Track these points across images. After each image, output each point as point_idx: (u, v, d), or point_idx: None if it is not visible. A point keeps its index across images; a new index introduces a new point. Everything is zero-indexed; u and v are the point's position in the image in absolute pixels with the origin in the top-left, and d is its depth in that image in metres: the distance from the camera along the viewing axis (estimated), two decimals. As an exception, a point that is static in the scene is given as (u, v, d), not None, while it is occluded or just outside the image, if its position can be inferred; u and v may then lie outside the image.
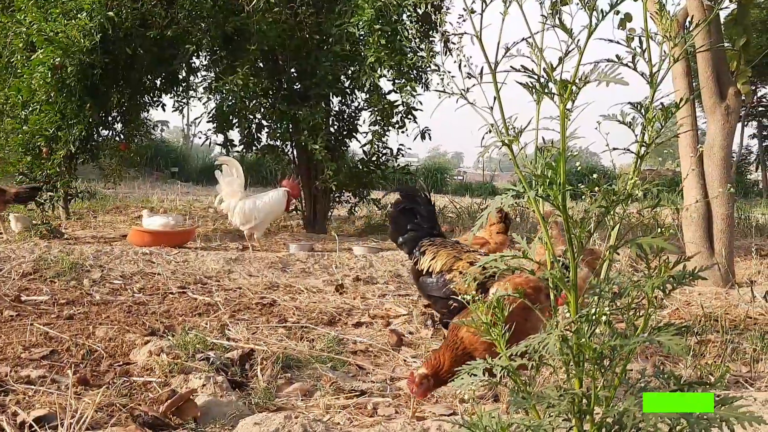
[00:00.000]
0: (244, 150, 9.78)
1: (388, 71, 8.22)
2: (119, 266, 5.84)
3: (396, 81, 8.44)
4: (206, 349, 3.33)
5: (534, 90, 1.54)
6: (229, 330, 3.88)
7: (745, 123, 33.01)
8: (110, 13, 7.81)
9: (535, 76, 1.54)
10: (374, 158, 9.42)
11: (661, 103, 1.57)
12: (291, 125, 9.13)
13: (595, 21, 1.48)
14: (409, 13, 8.10)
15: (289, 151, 9.77)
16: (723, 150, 5.81)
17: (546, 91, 1.53)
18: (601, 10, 1.47)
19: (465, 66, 1.61)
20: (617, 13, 6.50)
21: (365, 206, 10.37)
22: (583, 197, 1.60)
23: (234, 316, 4.31)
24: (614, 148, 1.62)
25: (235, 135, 9.59)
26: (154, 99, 10.23)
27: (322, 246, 7.96)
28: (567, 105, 1.51)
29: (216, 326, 3.95)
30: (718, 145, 5.80)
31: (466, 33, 1.60)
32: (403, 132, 9.02)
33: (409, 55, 8.09)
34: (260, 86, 8.62)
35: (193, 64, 9.78)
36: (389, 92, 8.77)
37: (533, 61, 1.55)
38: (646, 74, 1.55)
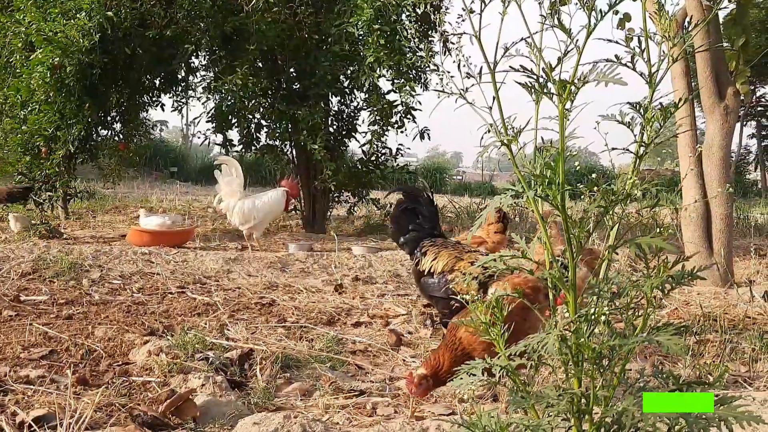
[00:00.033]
0: (243, 150, 9.79)
1: (387, 71, 8.22)
2: (118, 266, 5.84)
3: (395, 81, 8.45)
4: (205, 348, 3.33)
5: (533, 90, 1.55)
6: (228, 330, 3.88)
7: (744, 123, 33.04)
8: (109, 13, 7.81)
9: (534, 76, 1.54)
10: (373, 158, 9.42)
11: (660, 103, 1.57)
12: (290, 125, 9.13)
13: (593, 21, 1.48)
14: (408, 13, 8.10)
15: (288, 150, 9.77)
16: (722, 150, 5.81)
17: (545, 91, 1.53)
18: (600, 10, 1.47)
19: (464, 66, 1.61)
20: (616, 13, 6.51)
21: (364, 206, 10.37)
22: (582, 197, 1.60)
23: (233, 316, 4.31)
24: (613, 148, 1.62)
25: (234, 135, 9.61)
26: (153, 99, 10.23)
27: (321, 246, 7.96)
28: (566, 105, 1.51)
29: (215, 326, 3.95)
30: (717, 144, 5.80)
31: (465, 33, 1.60)
32: (402, 132, 9.03)
33: (408, 55, 8.10)
34: (259, 86, 8.61)
35: (192, 64, 9.79)
36: (388, 92, 8.78)
37: (532, 61, 1.55)
38: (645, 74, 1.55)
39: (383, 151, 9.46)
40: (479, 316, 1.70)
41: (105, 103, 9.10)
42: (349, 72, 9.12)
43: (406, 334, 4.04)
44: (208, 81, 9.43)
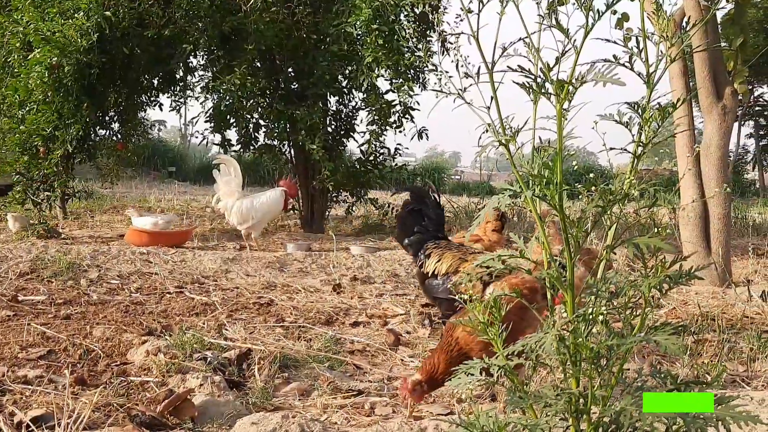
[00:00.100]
0: (242, 149, 9.79)
1: (385, 71, 8.22)
2: (116, 266, 5.84)
3: (393, 81, 8.46)
4: (203, 348, 3.33)
5: (531, 90, 1.55)
6: (226, 330, 3.88)
7: (742, 123, 33.07)
8: (107, 13, 7.80)
9: (532, 76, 1.54)
10: (372, 158, 9.43)
11: (658, 103, 1.57)
12: (288, 125, 9.13)
13: (591, 21, 1.48)
14: (406, 13, 8.10)
15: (286, 150, 9.77)
16: (720, 150, 5.81)
17: (543, 91, 1.53)
18: (598, 10, 1.47)
19: (462, 66, 1.61)
20: (614, 12, 6.51)
21: (362, 206, 10.37)
22: (580, 197, 1.61)
23: (231, 316, 4.31)
24: (611, 148, 1.63)
25: (232, 134, 9.62)
26: (152, 98, 10.24)
27: (320, 245, 7.96)
28: (564, 105, 1.51)
29: (213, 326, 3.95)
30: (715, 144, 5.81)
31: (463, 33, 1.60)
32: (400, 132, 9.04)
33: (406, 55, 8.10)
34: (257, 86, 8.61)
35: (190, 64, 9.80)
36: (387, 92, 8.78)
37: (530, 61, 1.55)
38: (643, 74, 1.55)
39: (381, 151, 9.46)
40: (477, 316, 1.70)
41: (103, 103, 9.10)
42: (347, 72, 9.13)
43: (404, 333, 4.04)
44: (207, 81, 9.44)
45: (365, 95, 9.02)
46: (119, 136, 10.23)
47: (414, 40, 8.42)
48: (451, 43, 1.65)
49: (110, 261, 6.03)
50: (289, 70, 9.45)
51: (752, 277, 6.34)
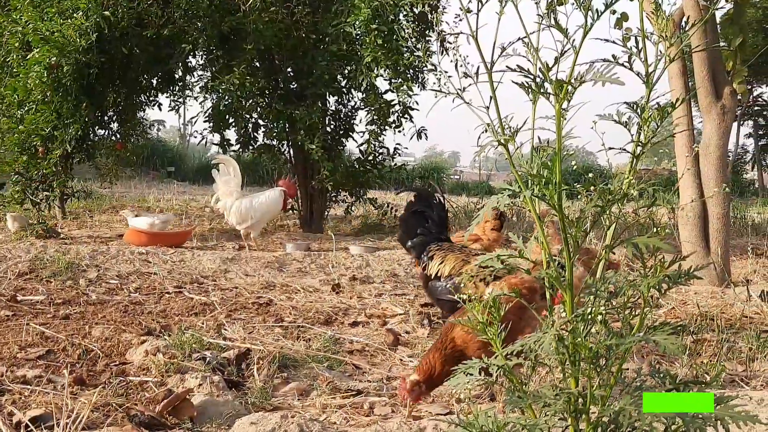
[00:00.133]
0: (241, 149, 9.79)
1: (384, 71, 8.22)
2: (115, 266, 5.83)
3: (392, 80, 8.46)
4: (203, 348, 3.32)
5: (530, 90, 1.55)
6: (225, 329, 3.87)
7: (741, 122, 33.09)
8: (106, 13, 7.80)
9: (531, 76, 1.54)
10: (371, 158, 9.43)
11: (657, 103, 1.57)
12: (287, 125, 9.13)
13: (590, 21, 1.48)
14: (405, 13, 8.10)
15: (285, 150, 9.78)
16: (719, 149, 5.82)
17: (542, 90, 1.53)
18: (597, 10, 1.47)
19: (461, 66, 1.61)
20: (613, 12, 6.51)
21: (362, 206, 10.37)
22: (579, 197, 1.61)
23: (230, 316, 4.30)
24: (610, 148, 1.62)
25: (231, 134, 9.62)
26: (151, 98, 10.25)
27: (319, 245, 7.96)
28: (563, 105, 1.51)
29: (212, 326, 3.95)
30: (714, 144, 5.81)
31: (462, 33, 1.60)
32: (399, 131, 9.04)
33: (405, 55, 8.10)
34: (257, 85, 8.61)
35: (189, 64, 9.79)
36: (386, 92, 8.79)
37: (529, 60, 1.55)
38: (642, 74, 1.55)
39: (381, 151, 9.46)
40: (476, 316, 1.70)
41: (102, 103, 9.10)
42: (346, 72, 9.13)
43: (403, 333, 4.04)
44: (206, 80, 9.44)
45: (364, 95, 9.02)
46: (118, 135, 10.23)
47: (413, 39, 8.42)
48: (450, 43, 1.65)
49: (109, 261, 6.02)
50: (288, 69, 9.45)
51: (751, 276, 6.35)
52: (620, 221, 1.63)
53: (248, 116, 9.42)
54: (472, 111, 1.60)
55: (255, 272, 5.95)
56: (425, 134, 9.36)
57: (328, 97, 9.54)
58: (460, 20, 7.59)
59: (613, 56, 1.50)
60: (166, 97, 10.26)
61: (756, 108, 33.11)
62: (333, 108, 9.77)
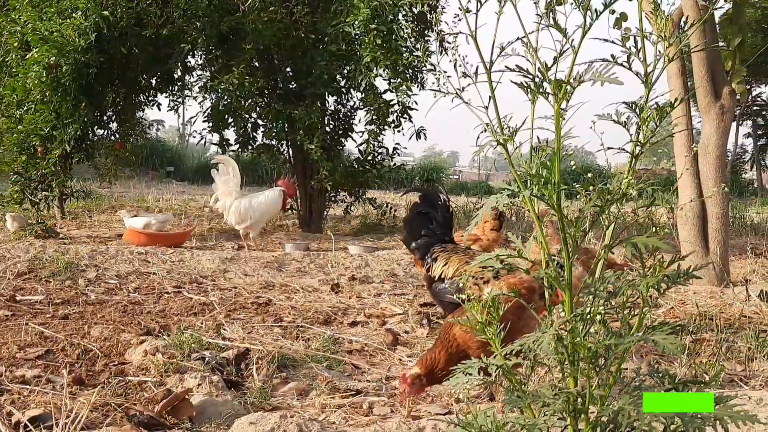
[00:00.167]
0: (240, 149, 9.79)
1: (383, 71, 8.22)
2: (114, 266, 5.83)
3: (392, 80, 8.46)
4: (202, 348, 3.32)
5: (529, 89, 1.55)
6: (224, 329, 3.87)
7: (740, 122, 33.12)
8: (105, 12, 7.80)
9: (530, 76, 1.54)
10: (370, 158, 9.43)
11: (656, 103, 1.57)
12: (286, 124, 9.13)
13: (589, 21, 1.48)
14: (404, 13, 8.10)
15: (284, 150, 9.78)
16: (718, 149, 5.82)
17: (541, 90, 1.53)
18: (596, 10, 1.47)
19: (460, 65, 1.61)
20: (612, 12, 6.52)
21: (361, 205, 10.37)
22: (578, 196, 1.61)
23: (229, 316, 4.30)
24: (609, 148, 1.62)
25: (230, 134, 9.62)
26: (150, 98, 10.25)
27: (318, 245, 7.96)
28: (562, 104, 1.51)
29: (211, 326, 3.95)
30: (713, 144, 5.81)
31: (461, 32, 1.60)
32: (398, 131, 9.04)
33: (404, 55, 8.10)
34: (256, 85, 8.61)
35: (188, 63, 9.80)
36: (385, 91, 8.78)
37: (528, 60, 1.55)
38: (641, 74, 1.55)
39: (380, 151, 9.47)
40: (475, 315, 1.70)
41: (101, 103, 9.09)
42: (345, 71, 9.13)
43: (402, 333, 4.04)
44: (205, 80, 9.44)
45: (363, 95, 9.02)
46: (117, 135, 10.23)
47: (412, 39, 8.42)
48: (450, 43, 1.65)
49: (108, 261, 6.02)
50: (288, 69, 9.45)
51: (750, 276, 6.35)
52: (619, 221, 1.63)
53: (247, 116, 9.42)
54: (471, 111, 1.60)
55: (254, 272, 5.95)
56: (424, 134, 9.36)
57: (327, 97, 9.54)
58: (459, 20, 7.57)
59: (612, 56, 1.50)
60: (165, 96, 10.27)
61: (755, 108, 33.14)
62: (332, 108, 9.77)
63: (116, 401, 2.64)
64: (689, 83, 6.32)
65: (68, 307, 4.34)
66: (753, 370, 3.44)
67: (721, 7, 6.08)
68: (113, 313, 4.22)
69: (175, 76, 9.90)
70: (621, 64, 1.51)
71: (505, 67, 1.54)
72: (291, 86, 9.46)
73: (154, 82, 9.92)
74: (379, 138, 9.12)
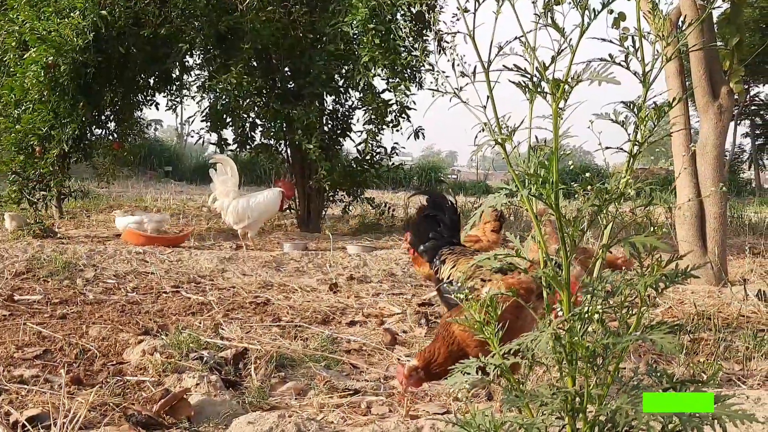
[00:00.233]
0: (238, 149, 9.78)
1: (382, 70, 8.22)
2: (112, 265, 5.83)
3: (390, 80, 8.45)
4: (200, 348, 3.32)
5: (527, 89, 1.55)
6: (222, 329, 3.87)
7: (738, 122, 33.12)
8: (103, 12, 7.79)
9: (528, 75, 1.54)
10: (368, 157, 9.41)
11: (654, 102, 1.57)
12: (285, 124, 9.12)
13: (587, 20, 1.48)
14: (403, 13, 8.11)
15: (282, 150, 9.77)
16: (716, 149, 5.82)
17: (539, 90, 1.53)
18: (594, 9, 1.47)
19: (458, 65, 1.61)
20: (611, 12, 6.49)
21: (359, 205, 10.37)
22: (576, 196, 1.61)
23: (228, 315, 4.30)
24: (607, 147, 1.62)
25: (228, 134, 9.61)
26: (148, 98, 10.23)
27: (316, 245, 7.96)
28: (559, 104, 1.52)
29: (210, 325, 3.95)
30: (711, 143, 5.82)
31: (459, 32, 1.60)
32: (397, 131, 9.04)
33: (403, 55, 8.10)
34: (254, 85, 8.60)
35: (186, 63, 9.77)
36: (383, 91, 8.78)
37: (526, 60, 1.55)
38: (639, 73, 1.55)
39: (378, 150, 9.46)
40: (473, 315, 1.70)
41: (99, 102, 9.08)
42: (343, 71, 9.13)
43: (400, 333, 4.04)
44: (203, 80, 9.43)
45: (362, 94, 9.02)
46: (115, 135, 10.21)
47: (410, 39, 8.41)
48: (448, 42, 1.65)
49: (106, 260, 6.02)
50: (286, 69, 9.44)
51: (748, 276, 6.35)
52: (617, 220, 1.63)
53: (245, 116, 9.40)
54: (470, 110, 1.60)
55: (252, 272, 5.95)
56: (422, 134, 9.36)
57: (325, 97, 9.53)
58: (458, 20, 7.53)
59: (610, 55, 1.50)
60: (164, 96, 10.25)
61: (753, 107, 33.14)
62: (330, 107, 9.76)
63: (114, 401, 2.64)
64: (687, 83, 6.33)
65: (66, 306, 4.33)
66: (751, 369, 3.45)
67: (719, 7, 6.09)
68: (111, 312, 4.22)
69: (174, 75, 9.88)
70: (619, 64, 1.51)
71: (503, 66, 1.54)
72: (289, 86, 9.45)
73: (152, 81, 9.90)
74: (377, 138, 9.12)
